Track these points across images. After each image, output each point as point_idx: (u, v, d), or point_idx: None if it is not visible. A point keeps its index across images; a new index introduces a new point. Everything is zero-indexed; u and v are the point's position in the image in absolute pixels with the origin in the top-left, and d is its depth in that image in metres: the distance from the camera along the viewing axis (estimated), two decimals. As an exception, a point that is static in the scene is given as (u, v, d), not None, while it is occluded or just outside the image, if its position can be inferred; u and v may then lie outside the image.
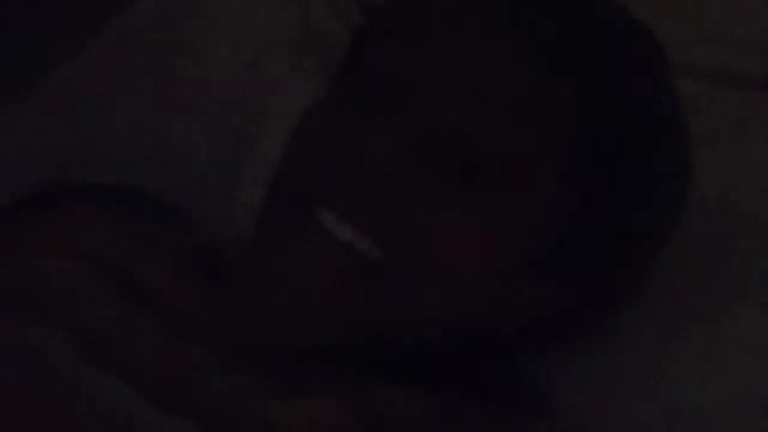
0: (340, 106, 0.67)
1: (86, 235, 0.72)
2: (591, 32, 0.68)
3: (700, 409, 0.72)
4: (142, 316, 0.67)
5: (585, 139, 0.66)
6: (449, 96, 0.65)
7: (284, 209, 0.67)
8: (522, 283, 0.67)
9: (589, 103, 0.66)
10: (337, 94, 0.70)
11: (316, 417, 0.62)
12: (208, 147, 0.88)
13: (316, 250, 0.64)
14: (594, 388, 0.74)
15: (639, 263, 0.71)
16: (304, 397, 0.63)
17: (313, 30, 0.89)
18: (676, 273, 0.74)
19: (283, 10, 0.90)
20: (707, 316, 0.74)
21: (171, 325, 0.67)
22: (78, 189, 0.78)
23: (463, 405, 0.66)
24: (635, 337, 0.74)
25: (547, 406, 0.71)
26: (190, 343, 0.65)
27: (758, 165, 0.77)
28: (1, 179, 0.83)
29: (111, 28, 0.91)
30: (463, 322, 0.67)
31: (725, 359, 0.73)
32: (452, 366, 0.68)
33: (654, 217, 0.70)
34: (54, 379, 0.62)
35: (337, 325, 0.65)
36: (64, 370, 0.62)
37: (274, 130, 0.86)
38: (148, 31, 0.91)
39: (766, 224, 0.76)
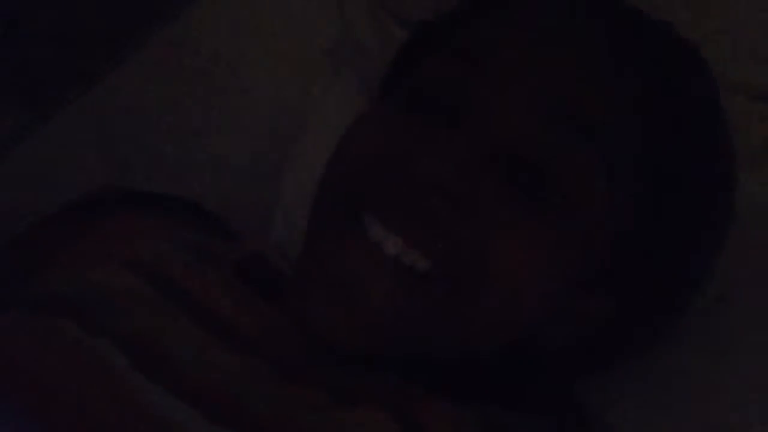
0: (390, 116, 0.67)
1: (141, 244, 0.72)
2: (645, 53, 0.67)
3: None
4: (196, 328, 0.66)
5: (645, 164, 0.65)
6: (513, 113, 0.64)
7: (332, 216, 0.66)
8: (574, 300, 0.66)
9: (651, 127, 0.65)
10: (386, 104, 0.69)
11: (364, 429, 0.61)
12: (247, 155, 0.89)
13: (365, 260, 0.63)
14: (632, 408, 0.74)
15: (688, 287, 0.71)
16: (354, 409, 0.62)
17: (351, 41, 0.89)
18: (727, 296, 0.74)
19: (321, 22, 0.91)
20: (748, 341, 0.74)
21: (224, 336, 0.66)
22: (132, 197, 0.78)
23: (508, 419, 0.65)
24: (676, 360, 0.74)
25: (589, 424, 0.70)
26: (244, 354, 0.65)
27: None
28: (53, 185, 0.85)
29: (154, 39, 0.91)
30: (512, 336, 0.66)
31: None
32: (499, 380, 0.68)
33: (698, 242, 0.70)
34: (107, 385, 0.62)
35: (388, 335, 0.64)
36: (117, 378, 0.62)
37: (312, 138, 0.87)
38: (189, 41, 0.92)
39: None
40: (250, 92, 0.90)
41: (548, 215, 0.63)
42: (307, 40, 0.90)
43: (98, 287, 0.68)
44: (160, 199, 0.79)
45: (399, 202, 0.63)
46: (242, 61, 0.91)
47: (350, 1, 0.89)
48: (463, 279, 0.63)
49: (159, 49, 0.91)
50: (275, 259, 0.75)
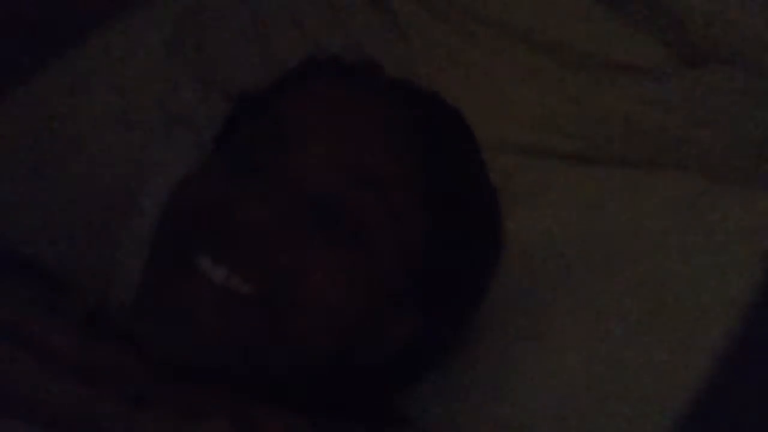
0: (215, 172, 0.79)
1: None
2: (422, 119, 0.81)
3: (536, 413, 0.86)
4: (36, 366, 0.74)
5: (427, 205, 0.80)
6: (307, 165, 0.77)
7: (167, 259, 0.77)
8: (382, 318, 0.79)
9: (430, 178, 0.80)
10: (212, 163, 0.82)
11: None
12: (84, 213, 0.98)
13: (196, 290, 0.74)
14: (443, 402, 0.87)
15: (475, 299, 0.86)
16: (201, 423, 0.72)
17: (182, 113, 1.00)
18: (501, 304, 0.89)
19: (154, 97, 1.02)
20: (529, 335, 0.89)
21: (68, 372, 0.75)
22: None
23: (334, 425, 0.77)
24: (475, 358, 0.88)
25: (408, 425, 0.83)
26: (96, 389, 0.74)
27: (557, 220, 0.94)
28: None
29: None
30: (329, 353, 0.78)
31: (549, 367, 0.88)
32: (328, 392, 0.79)
33: (478, 263, 0.85)
34: None
35: (219, 355, 0.75)
36: None
37: (149, 202, 0.97)
38: (32, 114, 1.01)
39: (563, 262, 0.92)
40: (89, 161, 0.99)
41: (350, 248, 0.77)
42: (142, 113, 1.00)
43: None
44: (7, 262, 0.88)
45: (223, 240, 0.75)
46: (77, 121, 1.00)
47: (181, 74, 1.01)
48: (283, 302, 0.75)
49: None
50: (116, 313, 0.86)
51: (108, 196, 0.99)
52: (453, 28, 1.01)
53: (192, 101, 1.01)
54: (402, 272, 0.80)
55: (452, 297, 0.84)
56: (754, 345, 0.87)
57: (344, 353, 0.79)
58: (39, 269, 0.90)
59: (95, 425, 0.72)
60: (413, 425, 0.82)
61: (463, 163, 0.84)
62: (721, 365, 0.88)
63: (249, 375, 0.77)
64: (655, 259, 0.92)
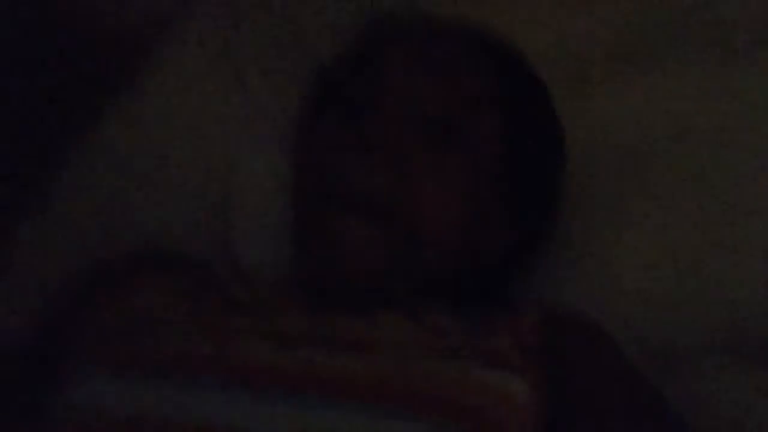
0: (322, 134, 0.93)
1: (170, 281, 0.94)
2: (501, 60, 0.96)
3: (621, 284, 0.99)
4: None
5: (506, 120, 0.93)
6: (412, 91, 0.91)
7: (308, 209, 0.91)
8: (494, 223, 0.93)
9: (504, 96, 0.93)
10: (328, 119, 0.94)
11: (385, 326, 0.85)
12: (194, 220, 1.07)
13: (348, 225, 0.87)
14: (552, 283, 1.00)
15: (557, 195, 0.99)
16: (375, 315, 0.86)
17: (258, 110, 1.08)
18: (583, 194, 1.01)
19: (227, 99, 1.09)
20: (611, 217, 1.01)
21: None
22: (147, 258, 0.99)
23: (480, 317, 0.89)
24: (570, 244, 1.01)
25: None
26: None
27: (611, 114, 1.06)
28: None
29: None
30: (457, 259, 0.91)
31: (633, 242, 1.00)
32: (471, 294, 0.92)
33: (554, 164, 0.98)
34: None
35: (376, 276, 0.88)
36: None
37: (247, 199, 1.06)
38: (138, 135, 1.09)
39: (629, 152, 1.04)
40: (188, 176, 1.07)
41: (458, 158, 0.90)
42: (220, 119, 1.08)
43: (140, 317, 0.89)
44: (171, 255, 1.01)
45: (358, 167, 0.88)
46: (171, 149, 1.08)
47: (251, 71, 1.09)
48: (412, 223, 0.88)
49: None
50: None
51: (205, 198, 1.08)
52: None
53: (264, 93, 1.09)
54: (497, 182, 0.92)
55: (539, 198, 0.96)
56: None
57: (467, 256, 0.91)
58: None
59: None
60: (539, 303, 0.94)
61: (531, 85, 0.98)
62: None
63: (401, 280, 0.89)
64: (714, 139, 1.03)
